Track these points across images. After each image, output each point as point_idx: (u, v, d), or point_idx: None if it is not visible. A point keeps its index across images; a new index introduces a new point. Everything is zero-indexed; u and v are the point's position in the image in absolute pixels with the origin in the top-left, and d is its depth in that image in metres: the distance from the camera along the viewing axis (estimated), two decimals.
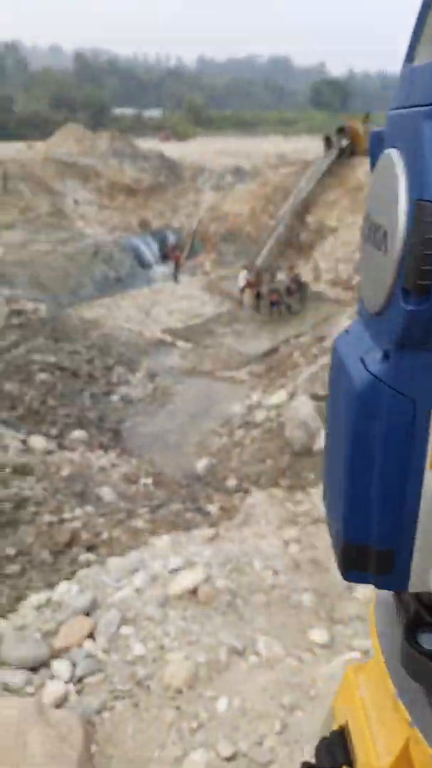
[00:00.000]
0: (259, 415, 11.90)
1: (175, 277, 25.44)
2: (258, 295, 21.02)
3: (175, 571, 4.50)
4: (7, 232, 24.86)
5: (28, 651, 3.79)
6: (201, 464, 11.45)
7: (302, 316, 20.24)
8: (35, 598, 4.70)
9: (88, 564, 7.13)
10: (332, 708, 0.75)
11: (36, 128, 62.57)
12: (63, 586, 4.68)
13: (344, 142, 28.80)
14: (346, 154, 28.79)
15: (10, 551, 6.94)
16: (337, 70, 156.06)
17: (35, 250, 23.33)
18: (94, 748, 3.17)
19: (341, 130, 29.28)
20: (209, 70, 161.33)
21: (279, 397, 11.98)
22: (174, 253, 26.37)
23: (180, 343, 18.18)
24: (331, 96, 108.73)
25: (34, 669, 3.72)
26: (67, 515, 7.91)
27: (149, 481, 10.97)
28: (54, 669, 3.71)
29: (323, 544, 4.97)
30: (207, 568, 4.42)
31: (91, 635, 3.98)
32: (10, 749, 2.87)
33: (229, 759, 3.05)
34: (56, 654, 3.86)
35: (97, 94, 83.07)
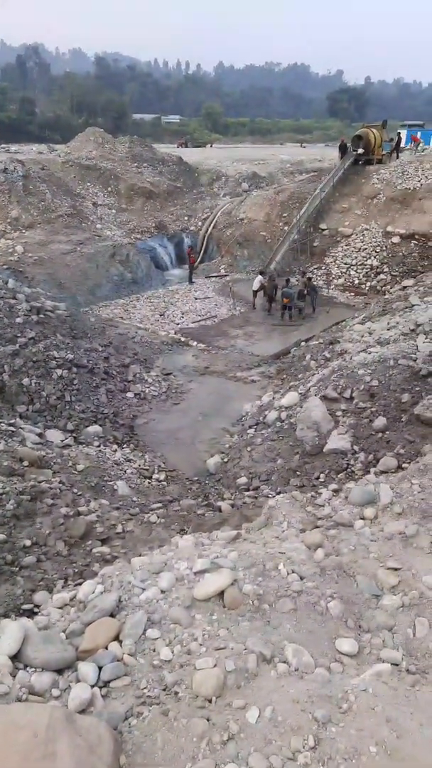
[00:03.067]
0: (271, 416, 12.07)
1: (189, 279, 25.71)
2: (271, 299, 21.26)
3: (200, 572, 4.36)
4: (27, 231, 25.33)
5: (53, 653, 3.65)
6: (212, 461, 11.66)
7: (314, 320, 20.46)
8: (58, 597, 4.64)
9: (102, 557, 7.28)
10: None
11: (57, 131, 63.53)
12: (87, 586, 4.53)
13: (360, 150, 29.05)
14: (362, 162, 29.04)
15: (27, 542, 7.18)
16: (354, 77, 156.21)
17: (54, 250, 23.74)
18: (123, 759, 3.06)
19: (357, 138, 29.51)
20: (228, 77, 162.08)
21: (290, 398, 12.13)
22: (190, 256, 26.65)
23: (193, 344, 18.45)
24: (347, 104, 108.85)
25: (59, 671, 3.61)
26: (82, 508, 8.15)
27: (162, 476, 11.18)
28: (80, 672, 3.57)
29: (347, 549, 4.89)
30: (233, 571, 4.32)
31: (116, 637, 3.84)
32: (38, 758, 2.74)
33: None
34: (82, 656, 3.73)
35: (117, 99, 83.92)
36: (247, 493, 10.00)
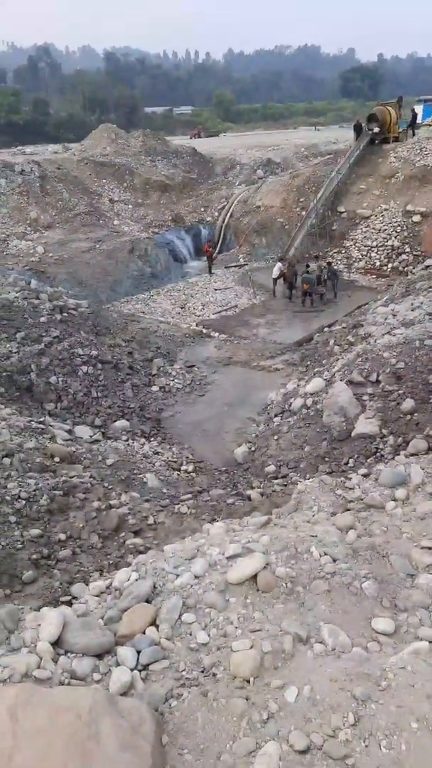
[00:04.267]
0: (296, 403, 12.03)
1: (209, 271, 25.55)
2: (291, 286, 21.09)
3: (233, 557, 4.41)
4: (46, 232, 25.62)
5: (93, 638, 3.74)
6: (240, 451, 11.69)
7: (335, 305, 20.24)
8: (95, 585, 4.75)
9: (136, 548, 7.40)
10: None
11: (71, 130, 63.86)
12: (122, 573, 4.66)
13: (375, 129, 28.47)
14: (378, 141, 28.47)
15: (62, 536, 7.37)
16: (366, 55, 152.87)
17: (74, 249, 23.97)
18: (165, 738, 3.13)
19: (372, 117, 28.92)
20: (237, 64, 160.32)
21: (315, 384, 12.07)
22: (207, 251, 26.32)
23: (215, 335, 18.46)
24: (360, 83, 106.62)
25: (99, 656, 3.70)
26: (114, 501, 8.29)
27: (190, 467, 11.27)
28: (119, 656, 3.67)
29: (379, 530, 4.87)
30: (265, 555, 4.36)
31: (153, 622, 3.92)
32: (83, 739, 2.82)
33: (303, 752, 2.92)
34: (120, 641, 3.82)
35: (128, 94, 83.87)
36: (276, 481, 10.00)
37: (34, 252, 23.06)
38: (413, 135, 29.30)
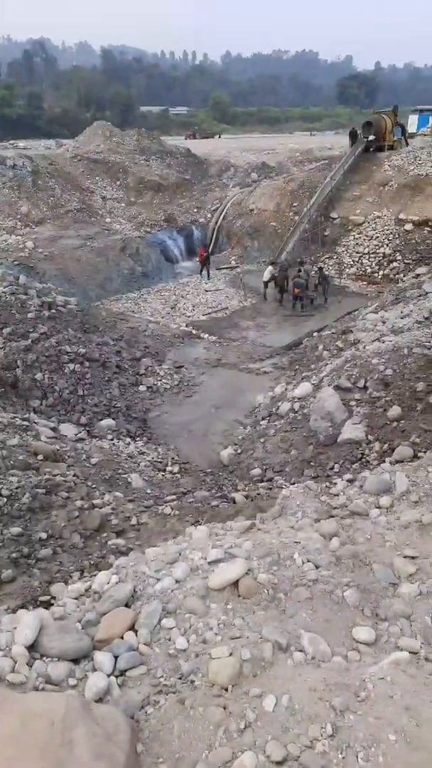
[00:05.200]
0: (284, 407, 12.02)
1: (206, 275, 24.93)
2: (282, 290, 21.13)
3: (215, 562, 4.34)
4: (37, 227, 25.40)
5: (69, 642, 3.64)
6: (226, 453, 11.63)
7: (326, 310, 20.30)
8: (74, 588, 4.65)
9: (118, 549, 7.32)
10: None
11: (65, 126, 63.54)
12: (102, 576, 4.53)
13: (370, 137, 28.66)
14: (372, 148, 28.66)
15: (42, 535, 7.25)
16: (364, 63, 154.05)
17: (65, 245, 23.79)
18: (140, 747, 3.06)
19: (367, 125, 29.12)
20: (235, 67, 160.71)
21: (303, 389, 12.07)
22: (203, 251, 25.90)
23: (205, 336, 18.41)
24: (357, 91, 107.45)
25: (75, 661, 3.60)
26: (97, 501, 8.18)
27: (176, 468, 11.20)
28: (96, 661, 3.56)
29: (363, 538, 4.86)
30: (247, 560, 4.30)
31: (132, 627, 3.83)
32: (56, 746, 2.74)
33: (280, 763, 2.87)
34: (98, 646, 3.73)
35: (124, 92, 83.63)
36: (261, 484, 9.97)
37: (24, 247, 22.84)
38: (406, 144, 29.63)
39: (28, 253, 22.46)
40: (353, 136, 29.33)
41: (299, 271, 21.08)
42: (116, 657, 3.61)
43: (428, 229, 23.32)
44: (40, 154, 31.02)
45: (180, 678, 3.47)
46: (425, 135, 33.60)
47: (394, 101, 38.95)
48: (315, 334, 17.39)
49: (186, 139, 57.22)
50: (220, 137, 66.06)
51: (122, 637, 3.77)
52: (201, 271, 25.33)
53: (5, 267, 18.44)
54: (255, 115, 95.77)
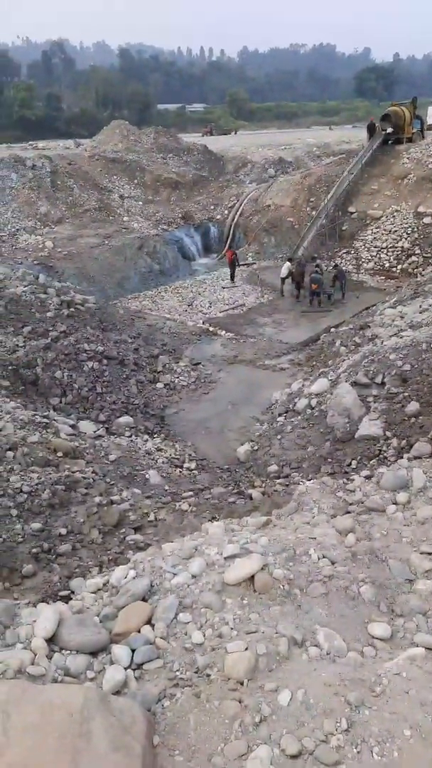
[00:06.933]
0: (301, 403, 11.97)
1: (231, 277, 23.79)
2: (299, 285, 21.01)
3: (231, 558, 4.38)
4: (56, 226, 25.66)
5: (88, 636, 3.71)
6: (242, 450, 11.65)
7: (343, 306, 20.14)
8: (92, 582, 4.73)
9: (136, 544, 7.39)
10: None
11: (83, 126, 63.98)
12: (119, 571, 4.62)
13: (389, 130, 28.30)
14: (391, 141, 28.31)
15: (62, 531, 7.39)
16: (382, 55, 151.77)
17: (83, 244, 23.99)
18: (156, 739, 3.11)
19: (385, 117, 28.76)
20: (252, 62, 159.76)
21: (320, 385, 12.01)
22: (231, 253, 24.33)
23: (222, 333, 18.42)
24: (375, 83, 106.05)
25: (93, 654, 3.68)
26: (115, 497, 8.30)
27: (193, 465, 11.25)
28: (114, 654, 3.64)
29: (379, 534, 4.84)
30: (263, 556, 4.32)
31: (149, 621, 3.89)
32: (74, 737, 2.80)
33: (295, 757, 2.88)
34: (115, 639, 3.80)
35: (141, 91, 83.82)
36: (278, 480, 9.95)
37: (43, 247, 23.11)
38: (422, 137, 29.20)
39: (47, 252, 22.74)
40: (371, 129, 28.98)
41: (316, 266, 20.94)
42: (133, 650, 3.67)
43: None
44: (58, 154, 31.31)
45: (196, 672, 3.51)
46: None
47: (413, 93, 38.35)
48: (332, 329, 17.27)
49: (203, 135, 57.11)
50: (236, 133, 65.81)
51: (139, 631, 3.83)
52: (232, 276, 23.66)
53: (25, 266, 18.67)
54: (272, 110, 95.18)
